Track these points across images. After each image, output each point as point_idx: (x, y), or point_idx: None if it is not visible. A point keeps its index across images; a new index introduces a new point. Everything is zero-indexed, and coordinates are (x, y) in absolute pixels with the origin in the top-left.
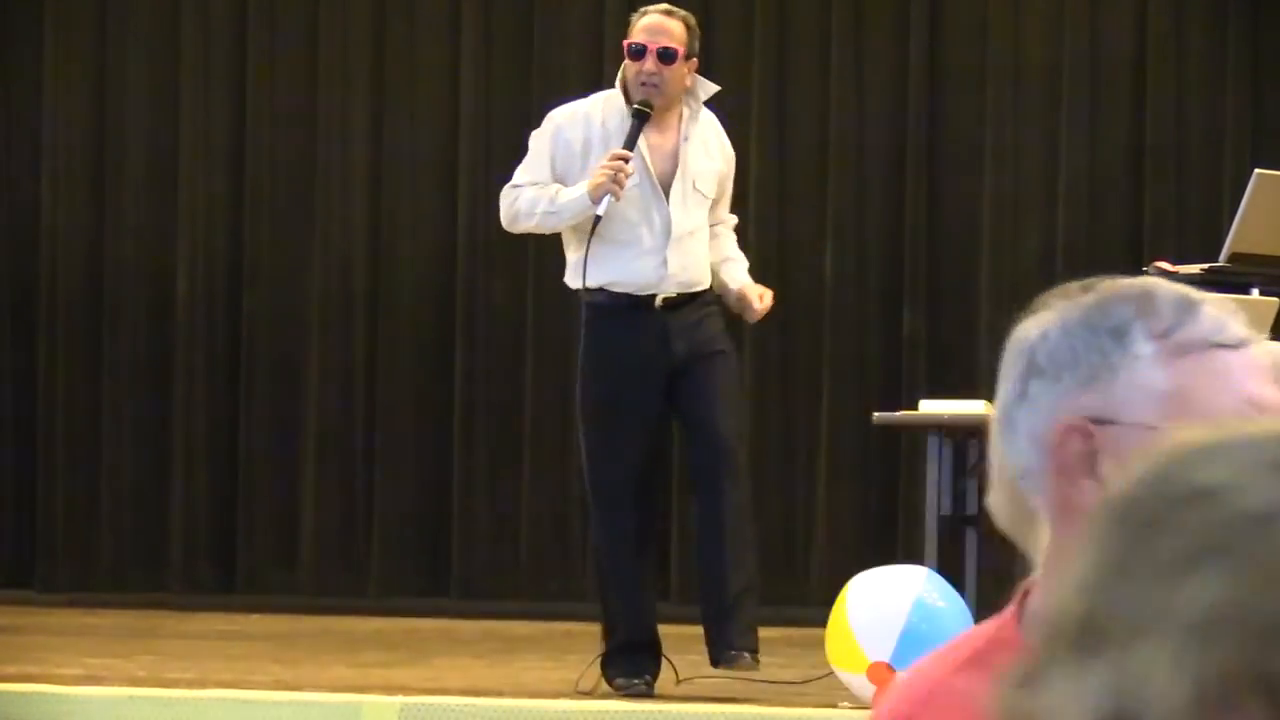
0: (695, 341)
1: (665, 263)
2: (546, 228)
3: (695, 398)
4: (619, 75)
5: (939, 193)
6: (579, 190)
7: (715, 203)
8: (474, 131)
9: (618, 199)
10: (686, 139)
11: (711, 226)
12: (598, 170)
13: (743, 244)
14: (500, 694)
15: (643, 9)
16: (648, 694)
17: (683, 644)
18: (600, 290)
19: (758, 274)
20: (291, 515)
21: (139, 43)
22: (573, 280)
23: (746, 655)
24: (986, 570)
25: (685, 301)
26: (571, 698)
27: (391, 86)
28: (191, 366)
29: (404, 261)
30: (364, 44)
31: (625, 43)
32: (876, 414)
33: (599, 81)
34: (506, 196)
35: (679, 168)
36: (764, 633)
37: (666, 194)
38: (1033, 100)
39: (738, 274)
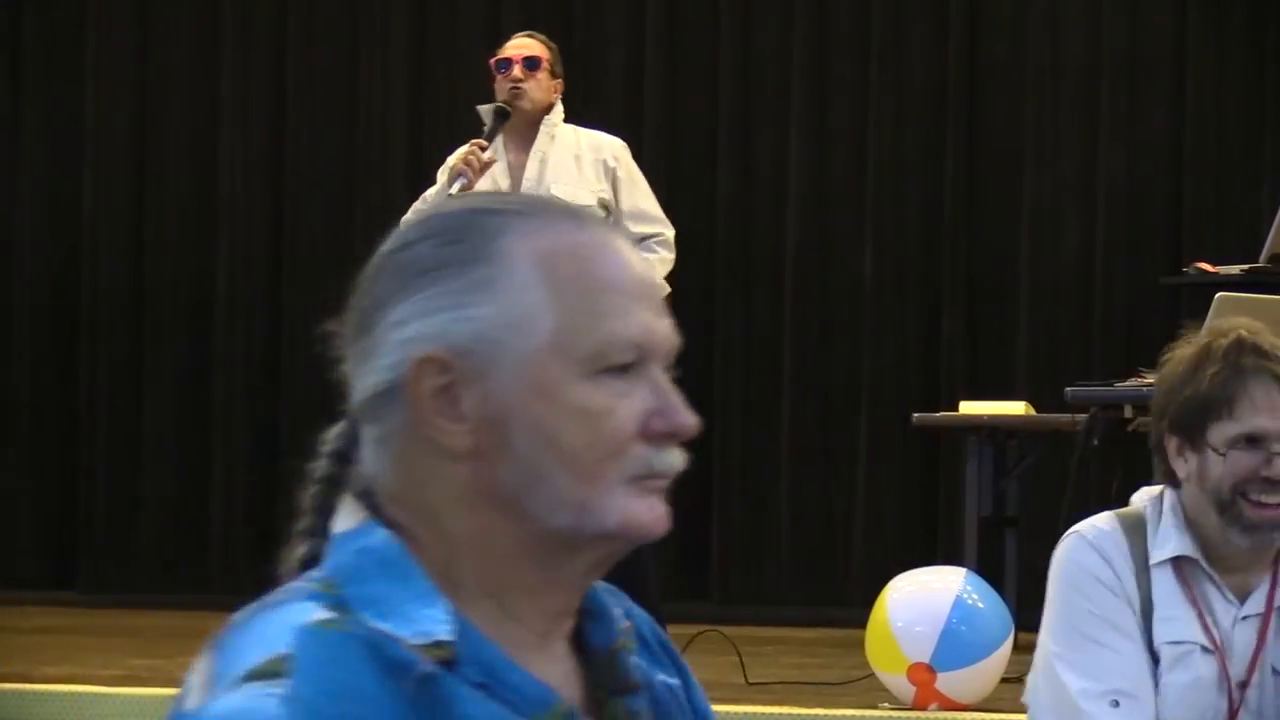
0: None
1: None
2: None
3: None
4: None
5: (978, 193)
6: (441, 181)
7: (616, 218)
8: None
9: (470, 182)
10: (544, 160)
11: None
12: (454, 156)
13: (782, 246)
14: None
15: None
16: None
17: (726, 645)
18: None
19: (798, 275)
20: None
21: (180, 46)
22: None
23: None
24: (1026, 570)
25: None
26: None
27: (431, 88)
28: (232, 368)
29: None
30: (404, 47)
31: (491, 61)
32: (916, 415)
33: (639, 83)
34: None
35: (535, 175)
36: (804, 634)
37: None
38: (1071, 100)
39: None
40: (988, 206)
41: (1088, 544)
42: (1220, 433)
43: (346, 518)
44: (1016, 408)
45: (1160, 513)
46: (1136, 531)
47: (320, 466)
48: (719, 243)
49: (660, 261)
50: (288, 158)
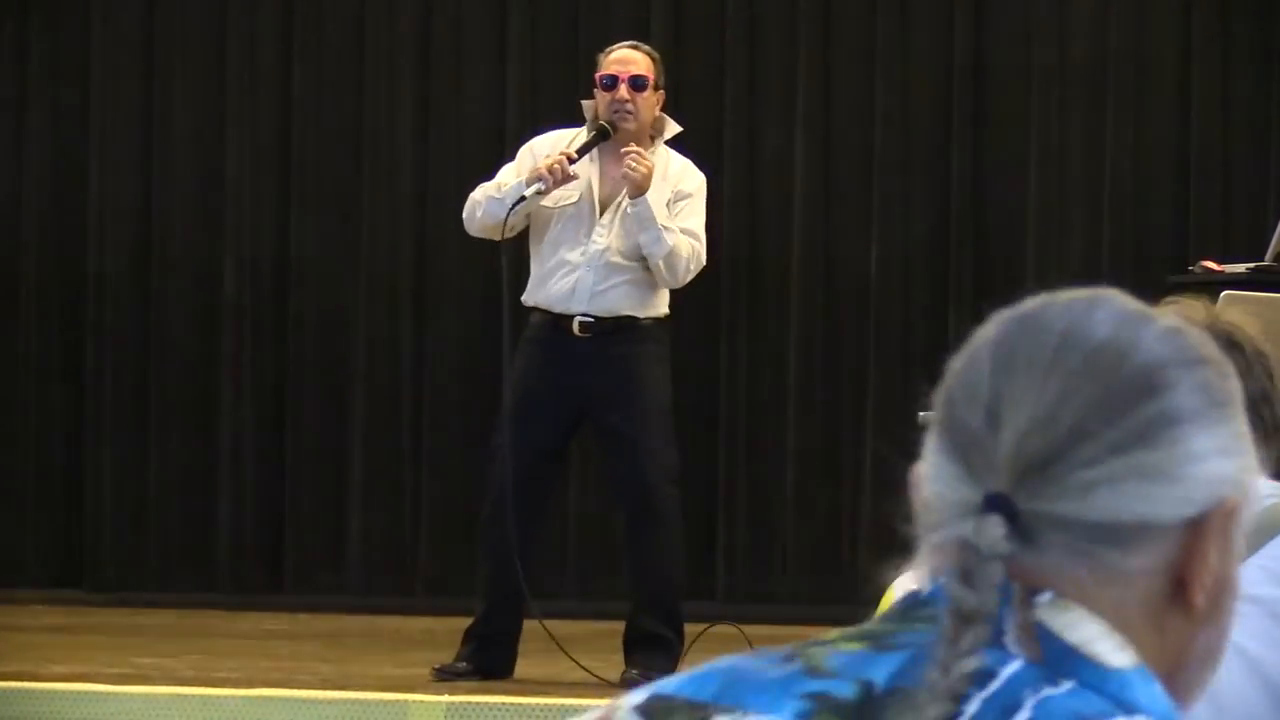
0: (612, 376)
1: (579, 282)
2: (492, 214)
3: (610, 439)
4: (590, 112)
5: (984, 193)
6: (520, 179)
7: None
8: (520, 133)
9: (547, 189)
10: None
11: None
12: (541, 161)
13: (789, 244)
14: (546, 693)
15: (609, 48)
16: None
17: (732, 642)
18: (534, 310)
19: (802, 272)
20: (339, 515)
21: (186, 42)
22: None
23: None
24: None
25: (609, 331)
26: (617, 696)
27: (437, 87)
28: (238, 368)
29: (451, 262)
30: (410, 44)
31: (598, 75)
32: (922, 414)
33: None
34: (470, 196)
35: (622, 194)
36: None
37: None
38: (1077, 100)
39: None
40: (994, 206)
41: None
42: None
43: (1104, 643)
44: None
45: None
46: None
47: (988, 563)
48: (724, 243)
49: (694, 259)
50: (294, 155)
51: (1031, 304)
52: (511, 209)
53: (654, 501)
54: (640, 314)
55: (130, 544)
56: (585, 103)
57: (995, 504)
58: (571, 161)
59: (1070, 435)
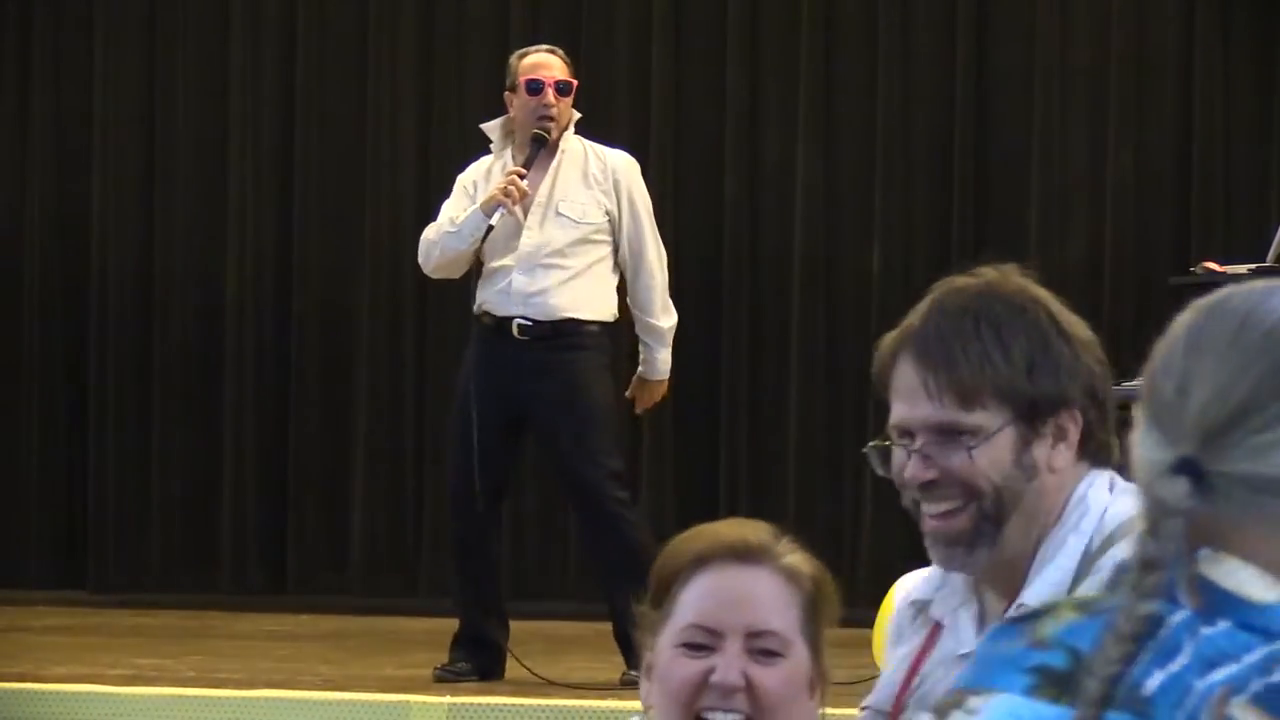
0: (550, 383)
1: (512, 284)
2: (452, 250)
3: (553, 445)
4: (505, 125)
5: (985, 193)
6: (474, 207)
7: (619, 238)
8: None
9: (509, 211)
10: (558, 166)
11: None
12: (494, 186)
13: (790, 242)
14: (548, 694)
15: (522, 50)
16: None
17: None
18: (481, 313)
19: (804, 274)
20: (341, 516)
21: (189, 46)
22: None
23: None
24: None
25: (548, 335)
26: (618, 697)
27: (440, 86)
28: (241, 368)
29: None
30: (413, 43)
31: (523, 79)
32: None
33: (646, 81)
34: (422, 239)
35: (545, 192)
36: None
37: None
38: (1079, 100)
39: (647, 355)
40: (995, 205)
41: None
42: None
43: (1256, 583)
44: None
45: None
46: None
47: (1171, 503)
48: (726, 241)
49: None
50: (297, 158)
51: (1220, 292)
52: (483, 240)
53: (606, 507)
54: (583, 315)
55: (133, 545)
56: (487, 125)
57: (1183, 465)
58: (522, 178)
59: (1245, 405)
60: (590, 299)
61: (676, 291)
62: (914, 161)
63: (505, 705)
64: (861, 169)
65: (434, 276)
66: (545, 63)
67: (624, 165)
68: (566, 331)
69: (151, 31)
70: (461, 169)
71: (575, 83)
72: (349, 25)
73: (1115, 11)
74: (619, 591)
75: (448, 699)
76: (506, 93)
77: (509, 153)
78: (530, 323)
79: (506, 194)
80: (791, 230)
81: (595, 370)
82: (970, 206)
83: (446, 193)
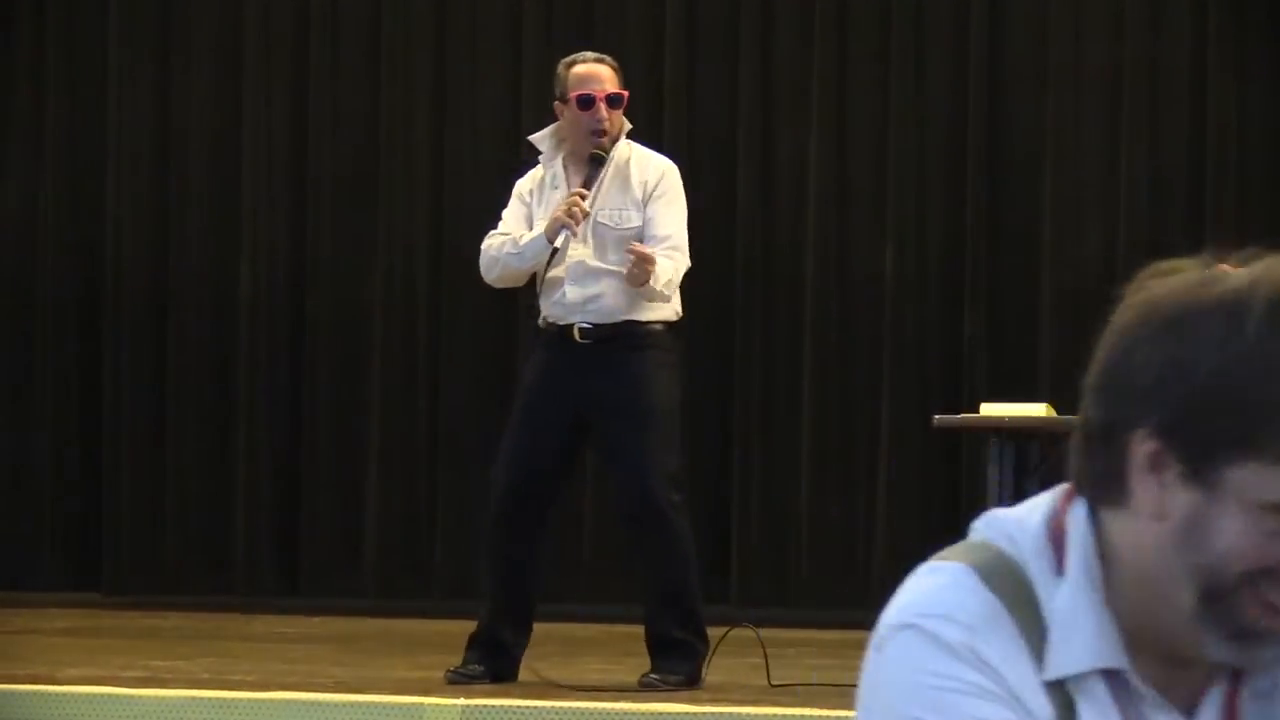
0: (612, 381)
1: (567, 294)
2: (513, 269)
3: (609, 443)
4: (556, 133)
5: (1000, 195)
6: (537, 230)
7: (647, 224)
8: (534, 130)
9: (574, 234)
10: (602, 180)
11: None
12: (556, 208)
13: (803, 246)
14: (563, 696)
15: (570, 59)
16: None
17: (749, 647)
18: (544, 323)
19: (818, 276)
20: (354, 517)
21: (202, 45)
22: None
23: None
24: None
25: (609, 337)
26: (633, 699)
27: (453, 88)
28: (255, 369)
29: (467, 263)
30: (426, 46)
31: (574, 94)
32: (937, 416)
33: (660, 82)
34: (484, 249)
35: (589, 203)
36: (826, 635)
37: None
38: (1093, 102)
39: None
40: (1009, 207)
41: (944, 649)
42: (1258, 478)
43: None
44: (1038, 409)
45: (1052, 565)
46: (1024, 605)
47: None
48: (739, 243)
49: (675, 274)
50: (310, 159)
51: None
52: (548, 264)
53: (656, 506)
54: (640, 317)
55: (146, 547)
56: (535, 136)
57: None
58: (584, 198)
59: None
60: (643, 300)
61: (688, 291)
62: (927, 163)
63: (519, 707)
64: (875, 170)
65: (496, 287)
66: (596, 74)
67: (658, 170)
68: (627, 333)
69: (165, 33)
70: (519, 175)
71: (626, 93)
72: (362, 28)
73: (1129, 14)
74: (656, 594)
75: (461, 701)
76: (556, 102)
77: (559, 161)
78: (591, 326)
79: (570, 215)
80: (804, 231)
81: (656, 369)
82: (984, 208)
83: (457, 193)
